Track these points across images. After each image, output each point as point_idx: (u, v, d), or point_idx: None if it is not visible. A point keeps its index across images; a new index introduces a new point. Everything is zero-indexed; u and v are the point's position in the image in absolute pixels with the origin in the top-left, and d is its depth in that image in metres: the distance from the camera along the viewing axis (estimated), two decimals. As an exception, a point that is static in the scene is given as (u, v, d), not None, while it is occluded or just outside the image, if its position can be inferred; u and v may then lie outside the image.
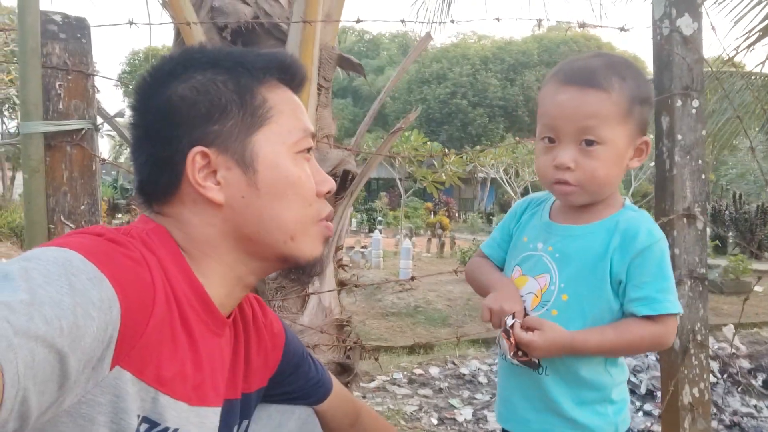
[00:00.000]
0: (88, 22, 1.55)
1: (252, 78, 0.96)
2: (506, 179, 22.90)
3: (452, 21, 1.85)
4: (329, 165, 2.62)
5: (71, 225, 1.43)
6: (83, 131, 1.46)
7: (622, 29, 1.87)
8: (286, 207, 0.95)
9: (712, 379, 4.26)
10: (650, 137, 1.25)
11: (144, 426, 0.83)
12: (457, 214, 25.05)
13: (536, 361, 1.18)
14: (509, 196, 23.82)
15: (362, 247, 14.15)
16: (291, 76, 1.01)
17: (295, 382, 1.19)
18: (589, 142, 1.16)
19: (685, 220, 1.99)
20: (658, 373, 4.36)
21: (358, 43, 45.39)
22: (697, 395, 1.97)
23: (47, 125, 1.40)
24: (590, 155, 1.16)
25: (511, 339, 1.16)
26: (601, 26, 1.72)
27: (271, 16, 2.57)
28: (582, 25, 1.84)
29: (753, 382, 4.74)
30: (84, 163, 1.47)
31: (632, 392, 4.25)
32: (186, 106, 0.92)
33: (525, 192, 21.31)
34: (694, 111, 2.00)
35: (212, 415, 0.95)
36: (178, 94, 0.93)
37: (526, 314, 1.20)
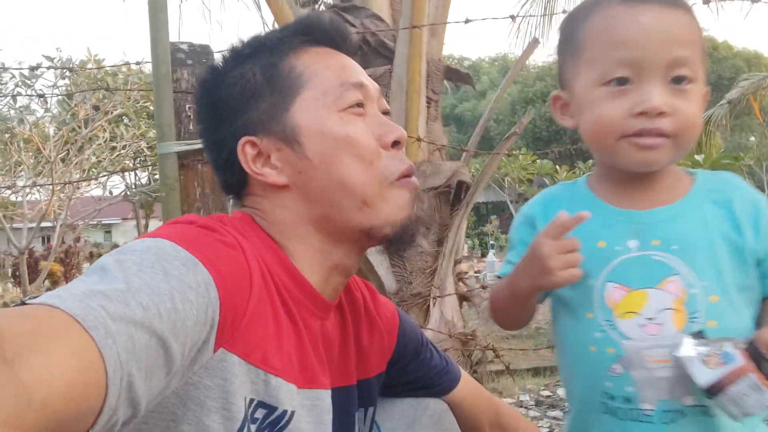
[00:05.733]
0: (212, 48, 1.65)
1: (274, 54, 0.95)
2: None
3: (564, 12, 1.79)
4: (442, 177, 2.61)
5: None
6: (212, 149, 1.55)
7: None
8: (344, 170, 0.91)
9: None
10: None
11: (261, 411, 0.82)
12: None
13: None
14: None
15: (476, 272, 13.97)
16: (319, 34, 0.98)
17: (418, 370, 1.14)
18: (680, 79, 0.89)
19: None
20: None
21: (459, 70, 45.60)
22: None
23: (180, 145, 1.48)
24: (685, 96, 0.89)
25: (749, 373, 0.80)
26: (729, -1, 1.59)
27: (377, 35, 2.62)
28: (707, 0, 1.72)
29: None
30: (214, 179, 1.54)
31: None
32: (222, 106, 0.96)
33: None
34: None
35: (325, 396, 0.92)
36: (215, 98, 0.97)
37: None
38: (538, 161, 16.48)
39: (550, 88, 33.29)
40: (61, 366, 0.57)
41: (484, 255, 17.14)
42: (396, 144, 0.95)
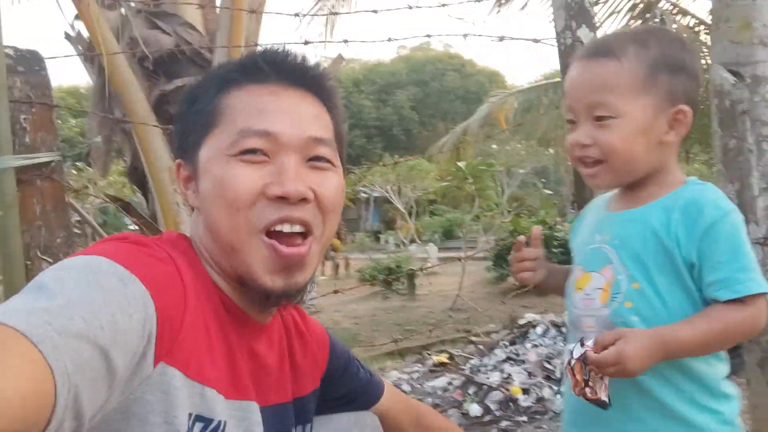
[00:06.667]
0: (41, 54, 1.54)
1: (215, 86, 0.96)
2: (391, 196, 23.42)
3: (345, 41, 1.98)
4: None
5: (49, 260, 1.40)
6: (52, 164, 1.44)
7: (535, 41, 2.10)
8: (214, 213, 0.91)
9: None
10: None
11: (198, 425, 0.84)
12: (346, 235, 25.23)
13: (606, 399, 1.02)
14: (395, 213, 24.37)
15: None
16: (254, 71, 0.95)
17: (347, 383, 1.19)
18: (601, 117, 1.09)
19: (603, 205, 2.24)
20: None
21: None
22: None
23: (18, 159, 1.37)
24: (606, 129, 1.09)
25: (576, 375, 1.03)
26: (518, 38, 1.93)
27: (192, 45, 2.59)
28: (501, 38, 2.04)
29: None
30: (56, 196, 1.44)
31: (548, 378, 4.57)
32: (180, 123, 1.01)
33: (411, 207, 21.93)
34: (600, 109, 2.27)
35: (254, 409, 0.94)
36: (181, 114, 1.02)
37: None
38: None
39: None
40: (13, 377, 0.58)
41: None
42: (282, 199, 0.89)
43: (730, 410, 1.09)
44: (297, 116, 0.94)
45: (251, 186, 0.89)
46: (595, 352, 1.00)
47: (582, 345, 1.03)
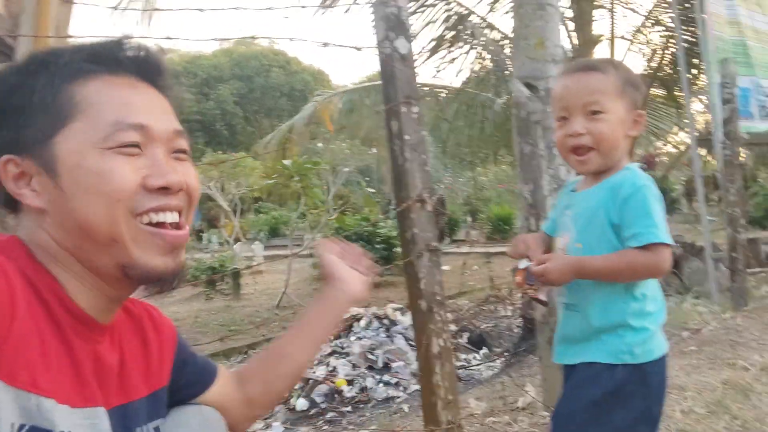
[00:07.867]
0: None
1: (58, 76, 0.92)
2: (214, 194, 22.69)
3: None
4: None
5: None
6: None
7: (358, 48, 2.22)
8: (92, 206, 0.89)
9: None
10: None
11: None
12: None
13: (544, 299, 1.56)
14: (218, 210, 23.64)
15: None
16: (111, 62, 0.94)
17: (187, 373, 1.17)
18: (595, 112, 1.49)
19: (418, 204, 2.41)
20: (392, 346, 4.98)
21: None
22: (442, 344, 2.42)
23: None
24: (598, 120, 1.49)
25: (517, 277, 1.53)
26: (341, 45, 2.03)
27: (-10, 28, 2.36)
28: (325, 44, 2.13)
29: (459, 341, 5.73)
30: None
31: (371, 368, 4.78)
32: None
33: (235, 205, 21.42)
34: (415, 116, 2.43)
35: (102, 414, 0.92)
36: None
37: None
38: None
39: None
40: None
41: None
42: (164, 189, 0.93)
43: (632, 339, 1.48)
44: (159, 110, 0.98)
45: (131, 178, 0.91)
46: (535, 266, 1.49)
47: (529, 260, 1.52)
